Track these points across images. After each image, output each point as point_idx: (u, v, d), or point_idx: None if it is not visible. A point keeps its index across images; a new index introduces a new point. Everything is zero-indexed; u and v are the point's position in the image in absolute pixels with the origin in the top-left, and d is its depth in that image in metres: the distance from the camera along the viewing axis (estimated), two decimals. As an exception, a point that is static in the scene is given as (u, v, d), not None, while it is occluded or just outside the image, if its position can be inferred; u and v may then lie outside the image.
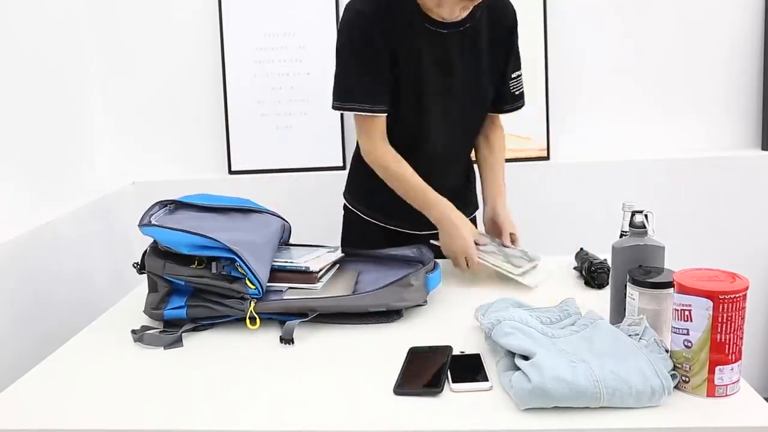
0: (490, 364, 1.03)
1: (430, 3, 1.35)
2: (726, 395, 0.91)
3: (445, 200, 1.44)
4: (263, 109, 2.24)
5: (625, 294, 1.07)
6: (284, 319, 1.20)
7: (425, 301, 1.26)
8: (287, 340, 1.14)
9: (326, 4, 2.18)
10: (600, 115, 2.26)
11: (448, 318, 1.23)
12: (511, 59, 1.53)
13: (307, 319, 1.18)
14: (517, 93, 1.56)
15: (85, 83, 2.22)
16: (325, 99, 2.19)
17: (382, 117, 1.43)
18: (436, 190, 1.45)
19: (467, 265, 1.40)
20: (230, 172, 2.27)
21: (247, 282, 1.19)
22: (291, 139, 2.25)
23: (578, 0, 2.19)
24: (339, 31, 1.42)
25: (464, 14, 1.36)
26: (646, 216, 1.10)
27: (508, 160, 2.22)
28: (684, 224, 2.23)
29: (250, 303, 1.19)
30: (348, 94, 1.41)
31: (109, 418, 0.95)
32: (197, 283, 1.21)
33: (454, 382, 0.98)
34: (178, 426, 0.93)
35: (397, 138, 1.48)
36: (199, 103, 2.29)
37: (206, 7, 2.24)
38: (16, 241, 1.62)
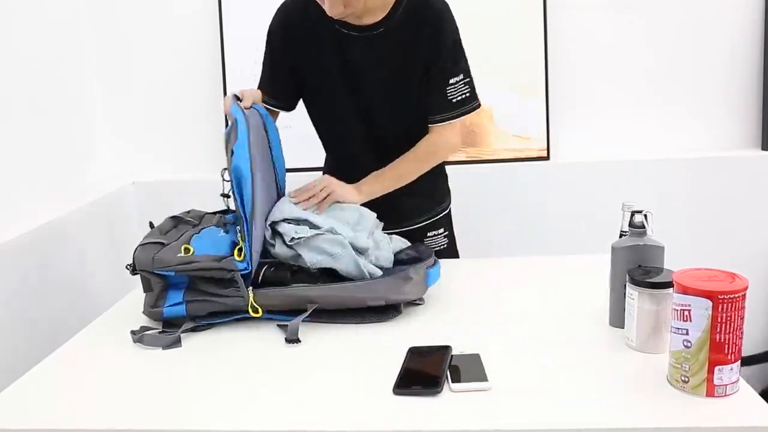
0: (489, 364, 1.03)
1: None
2: (725, 395, 0.91)
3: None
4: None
5: (625, 294, 1.07)
6: (280, 318, 1.20)
7: (422, 300, 1.26)
8: (293, 340, 1.14)
9: (326, 4, 2.18)
10: (600, 116, 2.26)
11: (447, 318, 1.23)
12: (438, 65, 1.43)
13: (307, 314, 1.18)
14: (455, 100, 1.44)
15: (85, 83, 2.22)
16: (325, 99, 2.20)
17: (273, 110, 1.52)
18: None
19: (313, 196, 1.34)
20: (230, 172, 2.27)
21: (235, 253, 1.18)
22: (291, 139, 2.24)
23: (578, 0, 2.19)
24: None
25: (347, 11, 1.32)
26: (645, 216, 1.10)
27: (508, 160, 2.26)
28: (684, 224, 2.22)
29: (249, 292, 1.18)
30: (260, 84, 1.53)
31: (109, 418, 0.95)
32: (186, 271, 1.19)
33: (453, 382, 0.98)
34: (178, 426, 0.93)
35: (323, 139, 1.60)
36: (198, 103, 2.29)
37: (206, 7, 2.24)
38: (16, 241, 1.62)
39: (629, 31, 2.20)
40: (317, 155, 2.23)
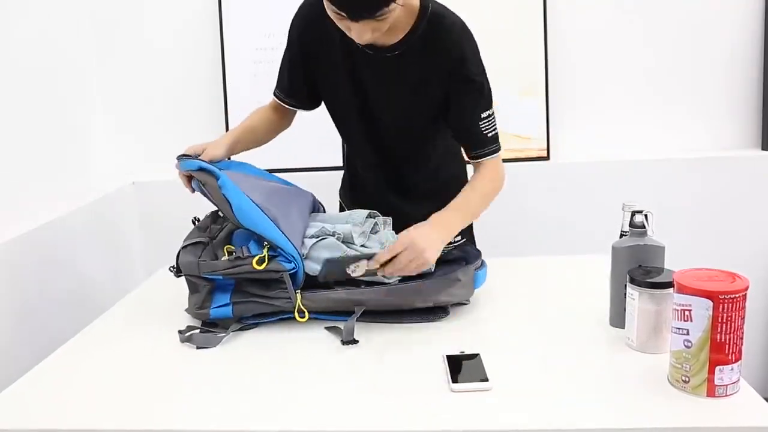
0: (489, 364, 1.03)
1: (340, 27, 1.25)
2: (726, 395, 0.91)
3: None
4: (263, 109, 2.24)
5: (626, 294, 1.07)
6: (326, 318, 1.20)
7: (468, 301, 1.26)
8: (349, 341, 1.13)
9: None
10: (600, 115, 2.26)
11: (447, 318, 1.23)
12: (470, 99, 1.36)
13: (358, 314, 1.17)
14: (490, 135, 1.37)
15: (84, 83, 2.22)
16: (325, 99, 2.20)
17: (279, 103, 1.51)
18: (380, 199, 1.49)
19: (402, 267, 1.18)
20: (230, 172, 2.27)
21: (276, 261, 1.17)
22: (291, 139, 2.24)
23: (578, 0, 2.19)
24: None
25: (375, 40, 1.26)
26: (646, 216, 1.10)
27: (508, 160, 2.25)
28: (684, 224, 2.23)
29: (297, 295, 1.18)
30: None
31: (109, 418, 0.95)
32: (234, 274, 1.19)
33: (453, 382, 0.98)
34: (178, 426, 0.93)
35: (344, 143, 1.60)
36: (199, 103, 2.29)
37: (206, 7, 2.24)
38: (16, 241, 1.62)
39: (629, 32, 2.20)
40: (317, 155, 2.24)
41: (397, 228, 1.52)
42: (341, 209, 1.70)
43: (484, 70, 1.37)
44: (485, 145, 1.37)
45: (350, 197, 1.65)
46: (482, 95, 1.36)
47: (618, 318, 1.13)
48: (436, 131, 1.47)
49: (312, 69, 1.45)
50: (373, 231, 1.33)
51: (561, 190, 2.24)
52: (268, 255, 1.17)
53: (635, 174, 2.22)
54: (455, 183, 1.48)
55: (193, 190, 1.32)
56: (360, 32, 1.20)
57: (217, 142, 1.39)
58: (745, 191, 2.20)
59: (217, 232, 1.29)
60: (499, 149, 1.39)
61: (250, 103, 2.21)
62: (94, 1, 2.24)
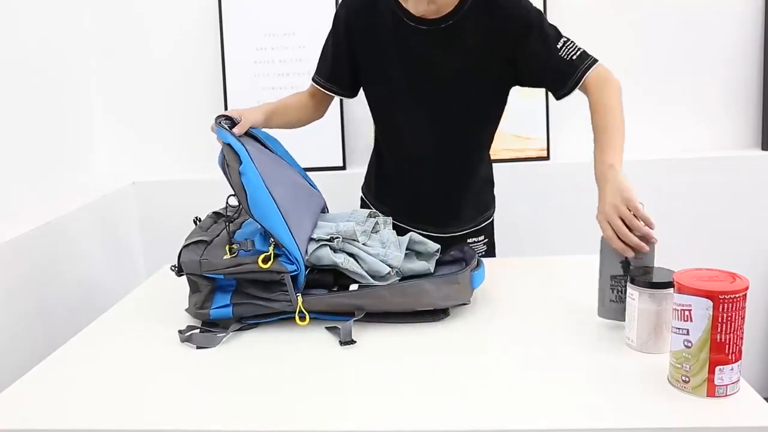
0: (489, 363, 1.03)
1: None
2: (726, 395, 0.91)
3: None
4: (263, 109, 2.24)
5: (611, 286, 1.07)
6: (326, 319, 1.20)
7: (468, 301, 1.26)
8: (347, 342, 1.13)
9: (326, 5, 2.18)
10: (600, 115, 2.25)
11: (446, 317, 1.23)
12: (533, 40, 1.35)
13: (358, 317, 1.17)
14: (575, 57, 1.37)
15: (84, 83, 2.22)
16: (325, 99, 2.20)
17: (318, 89, 1.52)
18: (417, 195, 1.49)
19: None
20: (230, 172, 2.27)
21: (278, 263, 1.16)
22: (291, 139, 2.24)
23: (578, 0, 2.19)
24: None
25: (432, 8, 1.31)
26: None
27: (508, 160, 2.26)
28: (684, 224, 2.23)
29: (298, 299, 1.17)
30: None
31: (109, 418, 0.95)
32: (236, 273, 1.18)
33: None
34: (178, 426, 0.93)
35: (382, 136, 1.55)
36: (199, 103, 2.30)
37: (206, 7, 2.24)
38: (16, 241, 1.62)
39: (629, 31, 2.20)
40: (317, 155, 2.24)
41: (403, 226, 1.53)
42: (363, 206, 1.69)
43: (539, 12, 1.38)
44: (576, 67, 1.36)
45: (382, 191, 1.62)
46: (543, 32, 1.36)
47: (605, 310, 1.14)
48: (495, 108, 1.47)
49: (358, 55, 1.45)
50: (374, 230, 1.33)
51: (561, 190, 2.24)
52: (274, 253, 1.16)
53: (635, 174, 2.20)
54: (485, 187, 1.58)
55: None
56: (417, 1, 1.27)
57: (255, 108, 1.39)
58: (745, 191, 2.20)
59: (219, 232, 1.28)
60: (594, 61, 1.38)
61: (250, 103, 2.22)
62: (94, 1, 2.25)
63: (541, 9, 2.15)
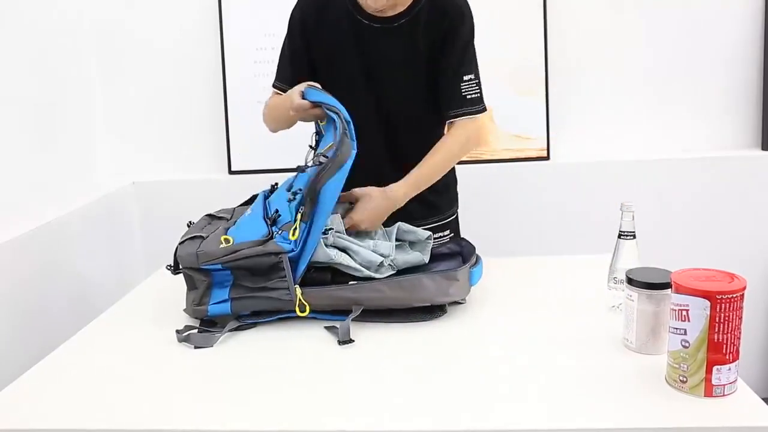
0: (489, 363, 1.03)
1: None
2: (723, 395, 0.91)
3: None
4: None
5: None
6: (324, 318, 1.20)
7: (464, 300, 1.26)
8: (346, 341, 1.13)
9: (326, 4, 2.18)
10: (600, 115, 2.26)
11: (446, 317, 1.23)
12: (453, 60, 1.45)
13: (355, 314, 1.17)
14: (468, 97, 1.46)
15: (85, 83, 2.22)
16: (325, 99, 2.20)
17: (281, 94, 1.53)
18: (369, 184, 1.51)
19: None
20: (230, 172, 2.27)
21: (291, 232, 1.16)
22: (291, 139, 2.24)
23: (578, 0, 2.19)
24: None
25: (387, 5, 1.36)
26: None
27: (508, 160, 2.26)
28: (684, 224, 2.23)
29: (297, 290, 1.17)
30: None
31: (109, 418, 0.95)
32: (234, 260, 1.17)
33: None
34: (178, 426, 0.93)
35: None
36: (199, 103, 2.30)
37: (206, 7, 2.24)
38: (16, 241, 1.62)
39: (629, 31, 2.20)
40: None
41: None
42: None
43: (473, 38, 1.47)
44: (462, 105, 1.45)
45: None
46: (466, 55, 1.45)
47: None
48: (438, 115, 1.51)
49: (314, 54, 1.50)
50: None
51: (561, 190, 2.24)
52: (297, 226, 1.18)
53: (635, 174, 2.22)
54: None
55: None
56: None
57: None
58: (745, 191, 2.20)
59: (214, 229, 1.29)
60: (478, 112, 1.47)
61: (250, 103, 2.23)
62: (95, 2, 2.25)
63: (542, 9, 2.16)
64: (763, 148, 2.22)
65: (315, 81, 1.52)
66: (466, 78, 1.45)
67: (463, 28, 1.44)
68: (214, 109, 2.29)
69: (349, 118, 1.25)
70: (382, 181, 1.45)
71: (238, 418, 0.93)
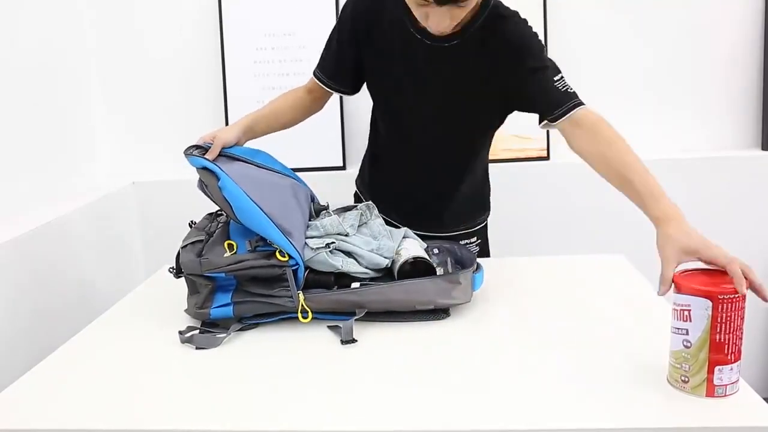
0: (490, 363, 1.03)
1: (417, 14, 1.26)
2: (725, 395, 0.91)
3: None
4: (263, 109, 2.24)
5: None
6: (327, 318, 1.20)
7: (469, 300, 1.26)
8: (348, 340, 1.13)
9: (326, 5, 2.18)
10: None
11: (446, 317, 1.23)
12: (536, 72, 1.32)
13: (359, 315, 1.17)
14: (571, 90, 1.30)
15: (84, 83, 2.22)
16: (325, 99, 2.20)
17: (319, 85, 1.51)
18: (411, 195, 1.49)
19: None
20: (230, 172, 2.27)
21: (277, 255, 1.17)
22: (291, 139, 2.25)
23: (578, 0, 2.19)
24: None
25: (450, 29, 1.27)
26: None
27: (508, 160, 2.25)
28: (684, 224, 2.22)
29: (300, 296, 1.18)
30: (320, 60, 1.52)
31: (109, 418, 0.95)
32: (238, 270, 1.18)
33: None
34: (178, 426, 0.93)
35: (382, 133, 1.56)
36: (199, 103, 2.30)
37: (206, 7, 2.24)
38: (16, 241, 1.62)
39: (629, 31, 2.20)
40: (317, 155, 2.24)
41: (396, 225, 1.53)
42: (357, 200, 1.70)
43: (540, 42, 1.36)
44: (570, 98, 1.27)
45: (376, 188, 1.64)
46: (542, 60, 1.33)
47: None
48: (491, 122, 1.48)
49: (363, 54, 1.45)
50: (362, 223, 1.34)
51: (561, 190, 2.24)
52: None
53: (635, 174, 2.21)
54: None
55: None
56: (439, 19, 1.21)
57: (230, 126, 1.38)
58: (745, 191, 2.20)
59: (215, 229, 1.29)
60: (583, 103, 1.28)
61: (250, 103, 2.23)
62: (94, 1, 2.25)
63: (542, 9, 2.16)
64: (763, 148, 2.22)
65: (358, 81, 1.50)
66: (556, 78, 1.31)
67: (529, 52, 1.33)
68: (214, 109, 2.29)
69: (204, 164, 1.24)
70: (421, 189, 1.49)
71: (238, 418, 0.93)
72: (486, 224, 1.68)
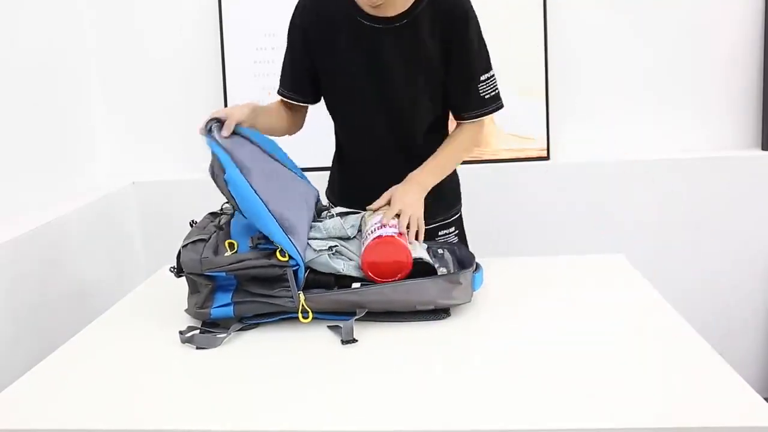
0: (490, 364, 1.03)
1: None
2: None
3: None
4: (263, 109, 2.24)
5: None
6: (327, 318, 1.20)
7: (470, 300, 1.26)
8: (349, 340, 1.13)
9: (326, 4, 2.18)
10: (600, 115, 2.26)
11: (447, 318, 1.23)
12: (469, 61, 1.44)
13: (360, 315, 1.17)
14: (487, 96, 1.47)
15: (84, 83, 2.22)
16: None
17: (286, 101, 1.55)
18: (381, 190, 1.47)
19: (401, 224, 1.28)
20: (230, 172, 2.27)
21: (278, 254, 1.17)
22: (291, 139, 2.24)
23: (578, 0, 2.19)
24: None
25: (385, 3, 1.35)
26: None
27: (508, 160, 2.26)
28: (684, 224, 2.23)
29: (300, 296, 1.18)
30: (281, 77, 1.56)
31: (109, 418, 0.95)
32: (238, 269, 1.18)
33: None
34: (179, 426, 0.93)
35: (342, 134, 1.60)
36: (199, 103, 2.30)
37: (206, 8, 2.24)
38: (17, 241, 1.62)
39: (629, 31, 2.20)
40: (317, 155, 2.24)
41: None
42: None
43: (482, 35, 1.46)
44: (482, 105, 1.47)
45: (346, 191, 1.65)
46: (480, 55, 1.45)
47: None
48: (440, 94, 1.51)
49: (314, 57, 1.48)
50: (361, 226, 1.34)
51: (561, 190, 2.24)
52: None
53: (635, 174, 2.22)
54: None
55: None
56: None
57: (242, 105, 1.38)
58: (745, 191, 2.20)
59: (216, 228, 1.29)
60: (498, 108, 1.48)
61: (250, 103, 2.23)
62: (94, 1, 2.25)
63: (542, 9, 2.16)
64: (763, 148, 2.22)
65: (317, 89, 1.53)
66: (483, 78, 1.45)
67: (470, 29, 1.42)
68: (214, 108, 2.28)
69: (216, 151, 1.23)
70: (394, 176, 1.46)
71: (238, 418, 0.93)
72: (461, 215, 1.68)
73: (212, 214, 1.39)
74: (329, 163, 2.23)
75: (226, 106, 2.25)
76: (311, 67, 1.50)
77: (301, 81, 1.52)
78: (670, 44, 2.20)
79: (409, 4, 1.40)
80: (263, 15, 2.22)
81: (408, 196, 1.35)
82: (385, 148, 1.53)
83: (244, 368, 1.08)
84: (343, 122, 1.58)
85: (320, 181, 2.19)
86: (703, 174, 2.20)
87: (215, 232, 1.27)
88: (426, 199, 1.47)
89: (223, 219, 1.33)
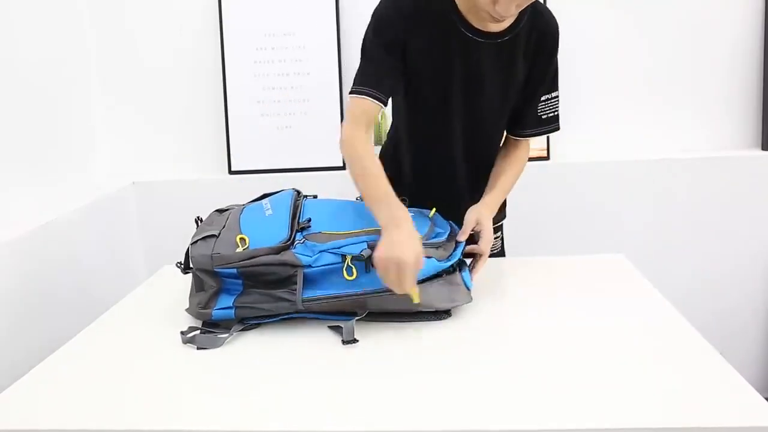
0: (491, 364, 1.03)
1: (469, 6, 1.33)
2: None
3: (400, 204, 1.24)
4: (263, 109, 2.24)
5: None
6: (328, 318, 1.20)
7: (470, 299, 1.26)
8: (350, 341, 1.13)
9: (326, 4, 2.18)
10: (600, 115, 2.26)
11: (448, 318, 1.23)
12: (545, 80, 1.46)
13: (360, 316, 1.17)
14: (545, 117, 1.49)
15: (84, 83, 2.22)
16: (325, 99, 2.20)
17: (372, 103, 1.34)
18: (443, 195, 1.46)
19: (397, 283, 1.13)
20: (230, 172, 2.27)
21: (345, 274, 1.17)
22: (291, 139, 2.25)
23: (578, 0, 2.19)
24: (372, 16, 1.40)
25: (513, 18, 1.34)
26: None
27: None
28: (684, 224, 2.23)
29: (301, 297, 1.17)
30: (356, 78, 1.38)
31: (109, 418, 0.95)
32: (249, 266, 1.17)
33: None
34: (179, 426, 0.93)
35: (412, 138, 1.53)
36: (199, 103, 2.30)
37: (206, 7, 2.24)
38: (16, 241, 1.62)
39: (629, 31, 2.20)
40: (317, 155, 2.24)
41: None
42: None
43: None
44: (533, 126, 1.49)
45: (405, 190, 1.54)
46: (557, 75, 1.48)
47: None
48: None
49: (409, 60, 1.39)
50: None
51: (561, 190, 2.24)
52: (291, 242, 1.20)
53: (635, 174, 2.22)
54: None
55: None
56: (507, 5, 1.26)
57: (411, 241, 1.17)
58: (745, 191, 2.20)
59: (225, 222, 1.28)
60: (546, 132, 1.52)
61: (250, 104, 2.24)
62: (94, 2, 2.25)
63: (541, 9, 2.16)
64: (763, 148, 2.22)
65: (401, 86, 1.42)
66: (545, 98, 1.48)
67: (557, 47, 1.45)
68: (214, 109, 2.29)
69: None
70: (455, 185, 1.51)
71: (238, 418, 0.93)
72: (501, 224, 1.71)
73: (219, 210, 1.38)
74: (330, 164, 2.24)
75: (226, 106, 2.25)
76: (403, 70, 1.39)
77: (397, 83, 1.40)
78: (670, 44, 2.20)
79: (513, 21, 1.37)
80: (263, 15, 2.22)
81: (491, 233, 1.36)
82: (452, 157, 1.51)
83: (244, 368, 1.08)
84: (416, 125, 1.51)
85: (320, 181, 2.20)
86: (703, 174, 2.20)
87: (224, 227, 1.26)
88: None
89: (231, 215, 1.31)
